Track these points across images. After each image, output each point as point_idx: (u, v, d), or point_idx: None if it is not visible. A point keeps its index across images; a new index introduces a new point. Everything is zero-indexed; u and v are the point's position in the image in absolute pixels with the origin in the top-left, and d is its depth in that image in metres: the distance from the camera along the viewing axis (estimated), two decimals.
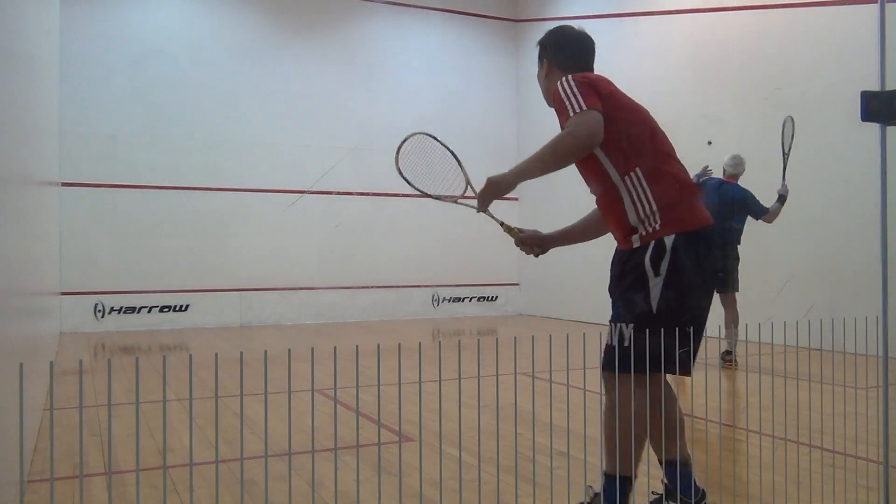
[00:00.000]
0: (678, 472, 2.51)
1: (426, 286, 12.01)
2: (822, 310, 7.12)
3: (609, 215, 2.61)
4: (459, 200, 2.91)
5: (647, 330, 2.30)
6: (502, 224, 2.81)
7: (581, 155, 2.41)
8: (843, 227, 7.45)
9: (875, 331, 2.47)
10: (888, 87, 2.32)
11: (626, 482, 2.47)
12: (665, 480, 2.60)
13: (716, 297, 6.77)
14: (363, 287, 11.54)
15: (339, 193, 11.26)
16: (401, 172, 2.91)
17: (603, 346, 2.56)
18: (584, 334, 2.29)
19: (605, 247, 2.71)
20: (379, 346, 2.58)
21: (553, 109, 2.53)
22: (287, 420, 2.43)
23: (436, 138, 3.05)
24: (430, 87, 12.09)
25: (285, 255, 11.06)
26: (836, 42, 7.64)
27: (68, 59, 9.77)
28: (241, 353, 2.12)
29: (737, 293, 6.82)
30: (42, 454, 3.76)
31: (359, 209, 11.41)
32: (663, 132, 2.63)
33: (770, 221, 6.75)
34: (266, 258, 10.94)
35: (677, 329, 2.33)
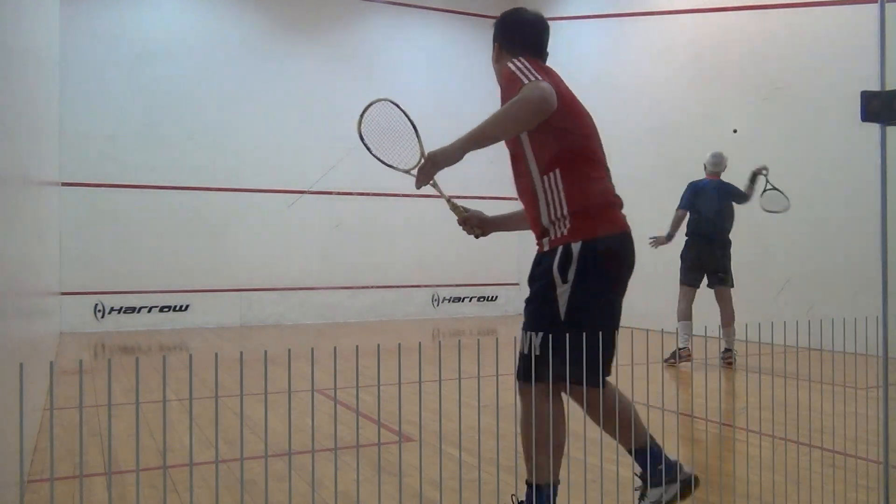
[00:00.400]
0: (647, 458, 2.50)
1: (426, 286, 12.01)
2: (822, 310, 7.12)
3: (527, 213, 2.57)
4: (412, 172, 2.71)
5: (556, 337, 2.26)
6: (448, 200, 2.71)
7: (532, 121, 2.27)
8: (843, 227, 7.45)
9: (875, 331, 2.47)
10: (888, 87, 2.32)
11: (549, 489, 2.45)
12: (636, 472, 2.62)
13: (706, 294, 6.82)
14: (363, 287, 11.53)
15: (339, 193, 11.26)
16: (362, 138, 2.79)
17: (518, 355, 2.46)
18: (583, 334, 2.29)
19: None
20: (379, 346, 2.58)
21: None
22: (287, 420, 2.43)
23: (398, 106, 2.91)
24: (430, 87, 12.09)
25: (285, 255, 11.06)
26: (836, 42, 7.64)
27: (68, 59, 9.77)
28: (241, 353, 2.12)
29: (732, 289, 6.85)
30: (42, 454, 3.76)
31: (359, 209, 11.40)
32: (599, 140, 2.56)
33: (750, 198, 6.82)
34: (266, 258, 10.94)
35: (585, 337, 2.21)
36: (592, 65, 11.12)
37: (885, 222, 2.44)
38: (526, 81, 2.29)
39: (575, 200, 2.38)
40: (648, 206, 10.04)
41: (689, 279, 6.76)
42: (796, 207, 8.09)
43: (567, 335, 2.15)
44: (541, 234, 2.47)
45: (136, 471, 1.70)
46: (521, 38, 2.62)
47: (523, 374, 2.36)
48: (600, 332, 2.25)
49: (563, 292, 2.36)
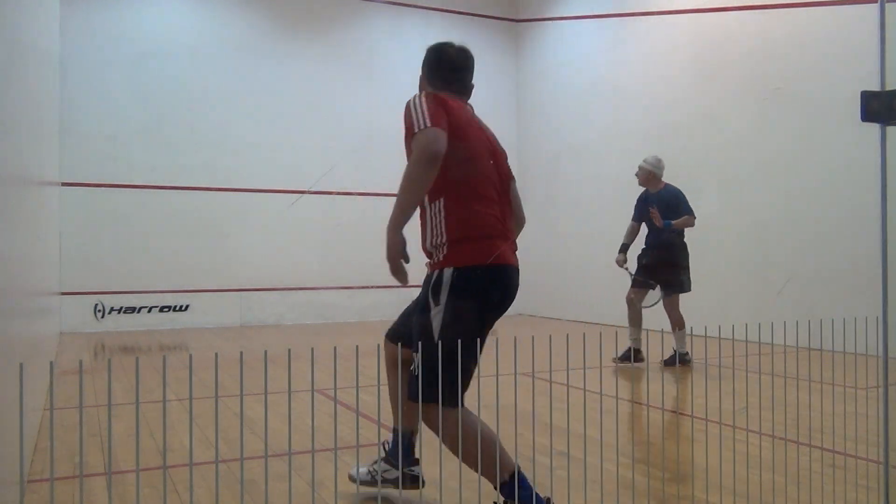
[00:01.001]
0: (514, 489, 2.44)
1: None
2: (822, 310, 7.12)
3: (420, 233, 2.65)
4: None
5: (431, 355, 2.36)
6: None
7: (432, 174, 2.38)
8: (843, 227, 7.45)
9: (875, 331, 2.47)
10: (888, 87, 2.32)
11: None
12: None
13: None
14: (363, 287, 11.53)
15: (339, 193, 11.26)
16: None
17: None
18: (583, 334, 2.29)
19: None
20: (379, 346, 2.58)
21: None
22: (287, 420, 2.43)
23: None
24: None
25: (285, 255, 11.06)
26: (836, 42, 7.64)
27: (68, 59, 9.77)
28: (241, 353, 2.12)
29: (682, 295, 6.68)
30: (42, 454, 3.76)
31: (359, 209, 11.40)
32: (494, 171, 2.63)
33: (681, 227, 6.57)
34: (266, 258, 10.94)
35: (448, 357, 2.26)
36: (592, 65, 11.12)
37: (885, 222, 2.44)
38: (416, 128, 2.40)
39: (454, 229, 2.49)
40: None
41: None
42: (797, 207, 8.10)
43: (438, 356, 2.19)
44: (426, 255, 2.62)
45: (136, 471, 1.70)
46: (438, 70, 2.74)
47: (413, 395, 2.41)
48: (465, 355, 2.35)
49: (435, 314, 2.48)
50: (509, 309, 2.67)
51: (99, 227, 10.07)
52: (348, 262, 11.36)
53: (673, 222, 6.48)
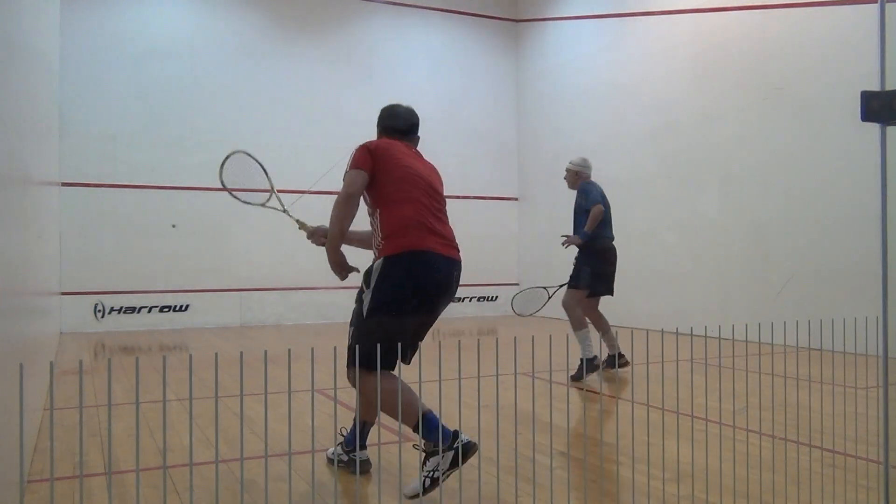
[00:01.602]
0: (422, 428, 2.82)
1: None
2: (822, 310, 7.12)
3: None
4: (266, 204, 4.31)
5: (361, 329, 3.04)
6: (297, 221, 3.90)
7: (351, 204, 3.13)
8: (842, 227, 7.45)
9: (875, 331, 2.47)
10: (888, 87, 2.32)
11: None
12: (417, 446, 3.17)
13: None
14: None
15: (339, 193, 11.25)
16: (223, 184, 4.05)
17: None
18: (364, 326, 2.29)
19: None
20: (378, 345, 2.58)
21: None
22: (287, 420, 2.43)
23: (250, 155, 4.38)
24: (431, 87, 12.09)
25: (285, 255, 11.04)
26: (836, 42, 7.64)
27: (68, 59, 9.77)
28: (241, 353, 2.12)
29: (580, 291, 6.16)
30: (42, 454, 3.76)
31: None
32: (427, 188, 3.20)
33: (593, 227, 6.05)
34: (266, 258, 10.93)
35: (380, 328, 2.94)
36: (592, 65, 11.12)
37: (885, 222, 2.44)
38: (346, 170, 3.20)
39: (385, 229, 3.12)
40: (648, 206, 10.07)
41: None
42: (797, 207, 8.11)
43: (369, 329, 2.96)
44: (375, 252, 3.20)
45: (136, 471, 1.70)
46: (385, 124, 3.55)
47: (348, 361, 3.07)
48: (398, 327, 2.94)
49: (367, 295, 3.07)
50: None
51: (99, 227, 10.07)
52: (348, 261, 11.35)
53: (585, 229, 6.06)
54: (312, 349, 1.85)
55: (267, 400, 1.75)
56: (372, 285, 3.05)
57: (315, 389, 2.15)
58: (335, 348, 1.82)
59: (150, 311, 10.33)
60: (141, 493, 3.07)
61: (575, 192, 6.38)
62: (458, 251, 3.26)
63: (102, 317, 10.07)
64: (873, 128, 2.40)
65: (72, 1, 9.83)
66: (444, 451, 2.81)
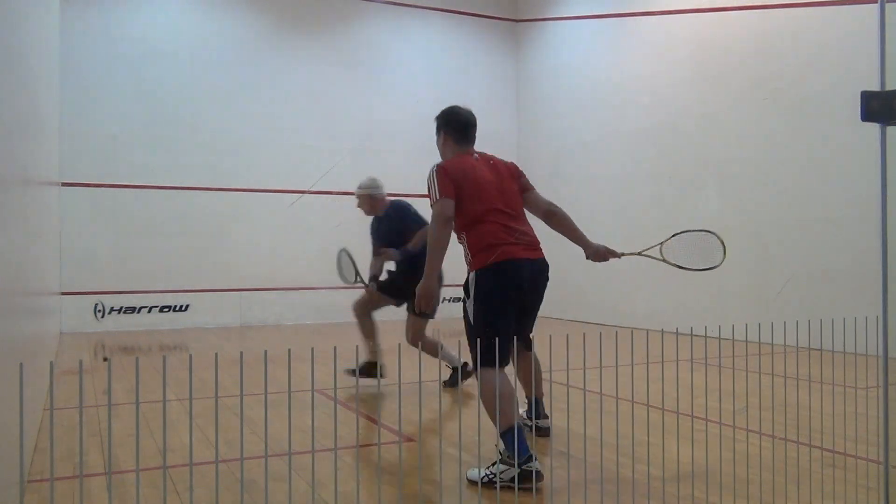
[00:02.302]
0: (514, 439, 3.02)
1: None
2: (822, 310, 7.12)
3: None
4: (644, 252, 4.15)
5: (469, 334, 3.40)
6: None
7: (447, 235, 3.40)
8: (843, 227, 7.45)
9: (875, 331, 2.47)
10: (888, 87, 2.32)
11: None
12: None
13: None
14: (363, 287, 11.51)
15: (339, 193, 11.24)
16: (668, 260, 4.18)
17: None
18: (584, 334, 2.29)
19: None
20: (378, 345, 2.58)
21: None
22: (287, 420, 2.43)
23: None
24: (430, 87, 12.08)
25: (285, 255, 11.05)
26: (836, 42, 7.64)
27: (69, 59, 9.77)
28: (241, 353, 2.12)
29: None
30: (42, 454, 3.76)
31: (359, 209, 11.38)
32: (499, 195, 3.51)
33: (418, 245, 5.53)
34: (266, 258, 10.93)
35: (490, 332, 3.23)
36: (592, 65, 11.12)
37: (885, 222, 2.44)
38: (432, 203, 3.45)
39: (473, 247, 3.45)
40: (648, 205, 10.07)
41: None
42: (797, 207, 8.11)
43: (478, 334, 3.28)
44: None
45: (136, 471, 1.70)
46: (445, 125, 3.83)
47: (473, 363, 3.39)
48: (486, 331, 3.25)
49: (469, 305, 3.41)
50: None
51: (99, 227, 10.07)
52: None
53: (407, 247, 5.76)
54: (312, 349, 1.85)
55: (267, 400, 1.75)
56: (472, 295, 3.39)
57: (315, 389, 2.15)
58: (335, 348, 1.82)
59: (150, 311, 10.33)
60: (141, 493, 3.07)
61: (371, 217, 6.15)
62: (539, 249, 3.52)
63: (102, 317, 10.07)
64: (873, 128, 2.40)
65: (72, 2, 9.83)
66: (515, 465, 2.98)
